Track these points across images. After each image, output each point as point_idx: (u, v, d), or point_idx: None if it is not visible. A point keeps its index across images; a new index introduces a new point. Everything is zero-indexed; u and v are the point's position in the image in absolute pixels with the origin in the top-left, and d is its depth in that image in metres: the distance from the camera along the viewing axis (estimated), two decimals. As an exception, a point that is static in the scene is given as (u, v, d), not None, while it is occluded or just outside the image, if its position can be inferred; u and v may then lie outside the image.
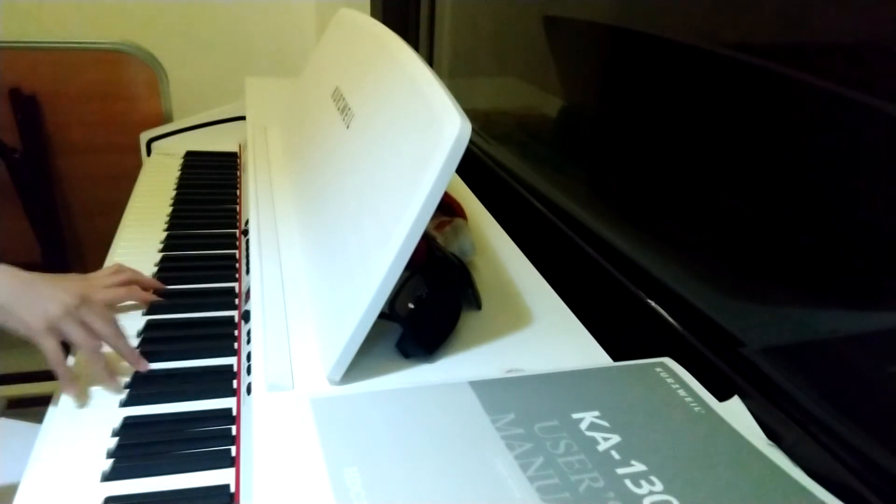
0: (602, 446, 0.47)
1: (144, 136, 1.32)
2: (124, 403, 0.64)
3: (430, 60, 1.51)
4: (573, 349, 0.62)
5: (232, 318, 0.78)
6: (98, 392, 0.65)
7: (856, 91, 0.47)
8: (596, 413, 0.50)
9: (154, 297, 0.79)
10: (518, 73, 1.07)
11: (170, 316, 0.78)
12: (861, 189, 0.47)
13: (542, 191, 0.90)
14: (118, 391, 0.65)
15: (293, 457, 0.44)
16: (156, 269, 0.87)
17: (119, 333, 0.66)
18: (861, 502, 0.44)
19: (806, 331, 0.53)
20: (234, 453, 0.59)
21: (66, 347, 0.65)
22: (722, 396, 0.54)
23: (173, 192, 1.11)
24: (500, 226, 0.87)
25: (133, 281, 0.78)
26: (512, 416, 0.49)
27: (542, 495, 0.42)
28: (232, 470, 0.58)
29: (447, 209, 0.80)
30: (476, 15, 1.25)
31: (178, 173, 1.19)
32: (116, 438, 0.60)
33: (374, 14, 1.60)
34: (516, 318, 0.66)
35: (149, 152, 1.32)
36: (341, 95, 0.81)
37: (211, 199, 1.09)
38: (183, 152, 1.28)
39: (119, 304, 0.77)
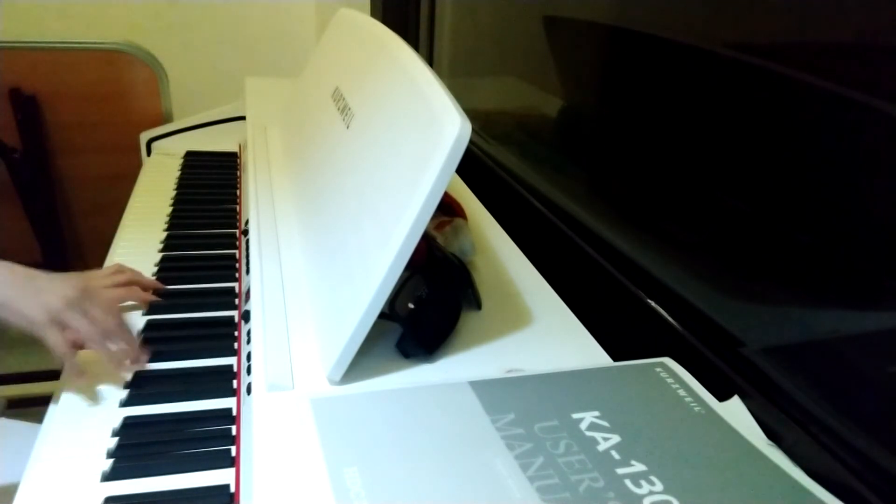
0: (602, 446, 0.47)
1: (144, 136, 1.32)
2: (124, 403, 0.64)
3: (430, 60, 1.51)
4: (573, 349, 0.62)
5: (232, 318, 0.78)
6: (98, 392, 0.65)
7: (856, 91, 0.47)
8: (596, 413, 0.50)
9: (154, 298, 0.80)
10: (518, 73, 1.07)
11: (170, 316, 0.78)
12: (861, 189, 0.47)
13: (542, 191, 0.90)
14: (125, 380, 0.65)
15: (293, 457, 0.44)
16: (156, 269, 0.87)
17: (123, 324, 0.66)
18: (861, 502, 0.44)
19: (806, 331, 0.53)
20: (234, 453, 0.59)
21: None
22: (722, 396, 0.54)
23: (173, 192, 1.11)
24: (500, 226, 0.87)
25: (133, 281, 0.78)
26: (512, 416, 0.49)
27: (542, 495, 0.42)
28: (232, 470, 0.58)
29: (447, 209, 0.80)
30: (476, 15, 1.25)
31: (178, 173, 1.19)
32: (116, 438, 0.60)
33: (374, 14, 1.60)
34: (516, 318, 0.66)
35: (149, 152, 1.32)
36: (341, 95, 0.81)
37: (211, 199, 1.09)
38: (183, 152, 1.28)
39: (119, 305, 0.77)
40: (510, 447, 0.46)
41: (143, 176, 1.19)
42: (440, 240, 0.74)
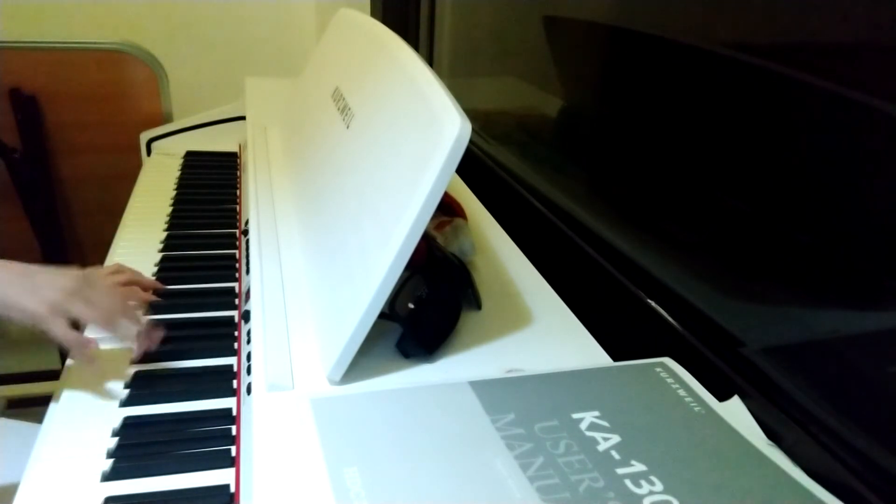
0: (602, 446, 0.47)
1: (144, 136, 1.32)
2: (124, 403, 0.64)
3: (430, 60, 1.51)
4: (573, 349, 0.62)
5: (232, 318, 0.78)
6: (98, 392, 0.65)
7: (856, 91, 0.47)
8: (596, 413, 0.50)
9: (154, 298, 0.79)
10: (518, 73, 1.07)
11: (170, 316, 0.78)
12: (861, 189, 0.47)
13: (542, 191, 0.90)
14: (126, 379, 0.65)
15: (293, 457, 0.44)
16: (156, 269, 0.88)
17: (126, 304, 0.66)
18: (861, 502, 0.44)
19: (806, 331, 0.53)
20: (234, 453, 0.59)
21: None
22: (722, 396, 0.54)
23: (173, 192, 1.11)
24: (500, 226, 0.87)
25: (133, 281, 0.78)
26: (512, 416, 0.49)
27: (542, 495, 0.42)
28: (232, 470, 0.58)
29: (447, 209, 0.80)
30: (476, 15, 1.25)
31: (178, 173, 1.19)
32: (116, 438, 0.60)
33: (374, 14, 1.60)
34: (516, 318, 0.66)
35: (149, 152, 1.32)
36: (341, 95, 0.81)
37: (211, 199, 1.09)
38: (183, 152, 1.28)
39: (120, 289, 0.77)
40: (510, 447, 0.46)
41: (143, 176, 1.19)
42: (440, 240, 0.74)
